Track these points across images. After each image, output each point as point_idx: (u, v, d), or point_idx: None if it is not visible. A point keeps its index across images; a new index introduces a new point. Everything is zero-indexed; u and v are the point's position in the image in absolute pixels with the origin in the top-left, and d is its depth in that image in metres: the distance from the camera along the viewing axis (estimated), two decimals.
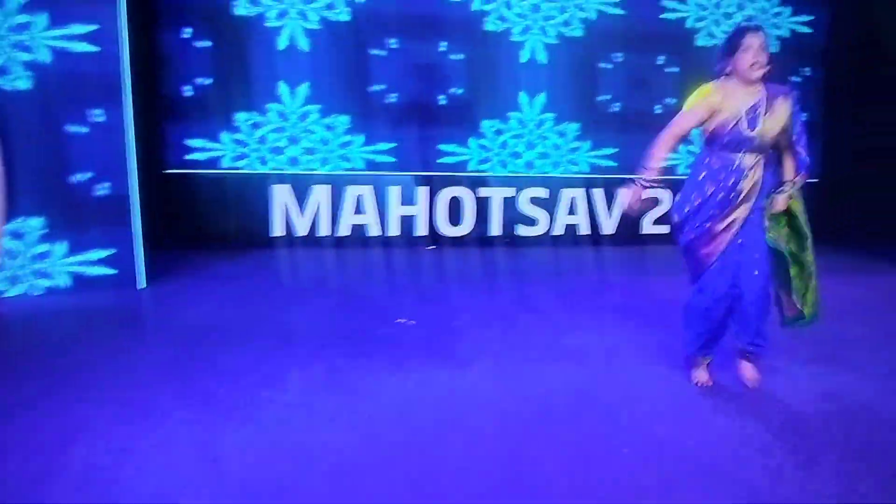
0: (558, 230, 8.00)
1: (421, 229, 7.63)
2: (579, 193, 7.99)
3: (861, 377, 4.19)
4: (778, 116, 3.61)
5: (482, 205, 7.75)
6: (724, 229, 3.69)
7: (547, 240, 7.97)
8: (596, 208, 8.06)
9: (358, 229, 7.48)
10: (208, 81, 7.00)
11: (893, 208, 8.13)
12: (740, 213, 3.67)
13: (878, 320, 5.43)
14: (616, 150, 7.95)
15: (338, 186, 7.38)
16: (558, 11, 7.58)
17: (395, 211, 7.54)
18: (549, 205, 7.92)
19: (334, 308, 5.36)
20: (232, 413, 3.48)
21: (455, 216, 7.70)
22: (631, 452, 3.19)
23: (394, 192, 7.50)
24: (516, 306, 5.57)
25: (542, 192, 7.89)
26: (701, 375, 3.98)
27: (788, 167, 3.72)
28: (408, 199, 7.55)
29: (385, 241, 7.53)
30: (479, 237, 7.78)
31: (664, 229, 8.09)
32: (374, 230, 7.51)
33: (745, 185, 3.64)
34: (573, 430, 3.40)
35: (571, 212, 8.01)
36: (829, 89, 8.48)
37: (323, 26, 7.09)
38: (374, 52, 7.25)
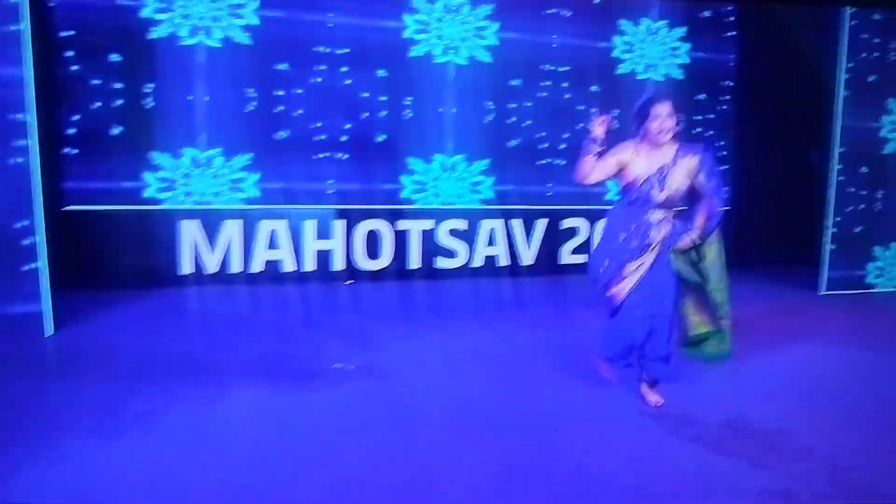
0: (478, 262, 8.05)
1: (338, 264, 7.53)
2: (498, 225, 8.08)
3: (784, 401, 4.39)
4: (684, 174, 4.02)
5: (400, 238, 7.72)
6: (634, 271, 4.12)
7: (466, 272, 8.00)
8: (515, 239, 8.15)
9: (272, 265, 7.32)
10: (111, 112, 6.79)
11: (796, 233, 8.60)
12: (648, 258, 4.11)
13: (792, 341, 5.70)
14: (518, 183, 8.19)
15: (250, 221, 7.22)
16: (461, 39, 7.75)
17: (311, 245, 7.42)
18: (468, 236, 7.97)
19: (253, 347, 5.26)
20: (168, 465, 3.39)
21: (373, 249, 7.64)
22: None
23: (309, 227, 7.39)
24: (441, 338, 5.62)
25: (461, 224, 7.93)
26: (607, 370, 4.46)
27: (699, 215, 4.08)
28: (324, 233, 7.45)
29: (300, 277, 7.39)
30: (398, 270, 7.73)
31: (582, 258, 8.29)
32: (288, 266, 7.37)
33: (655, 237, 4.09)
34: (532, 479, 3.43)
35: (491, 243, 8.08)
36: (737, 119, 8.86)
37: (229, 49, 6.99)
38: (288, 76, 7.21)
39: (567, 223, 8.34)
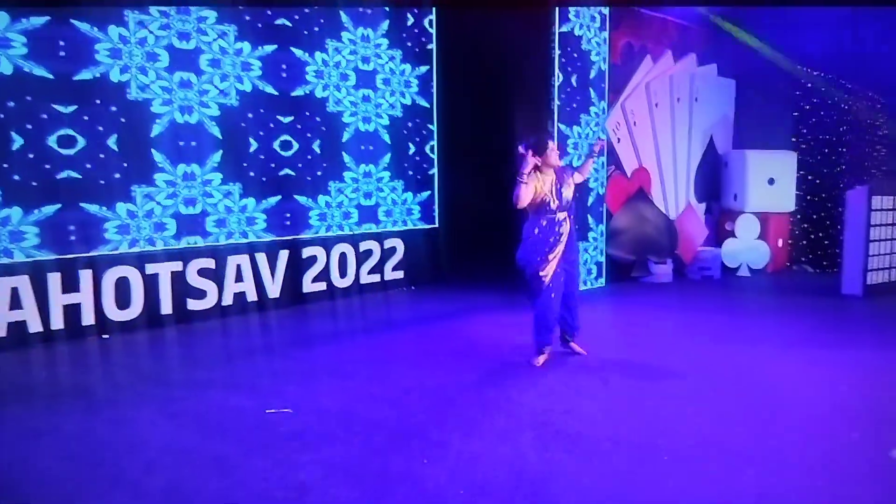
0: (227, 300, 8.62)
1: (88, 317, 7.62)
2: (244, 260, 8.72)
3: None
4: (571, 187, 6.61)
5: (151, 283, 8.01)
6: (553, 258, 6.50)
7: (217, 311, 8.52)
8: (261, 273, 8.86)
9: (16, 327, 7.21)
10: None
11: (497, 250, 10.46)
12: (560, 248, 6.53)
13: None
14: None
15: None
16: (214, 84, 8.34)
17: (58, 300, 7.43)
18: (217, 275, 8.50)
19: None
20: None
21: (123, 298, 7.84)
22: None
23: (54, 280, 7.39)
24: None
25: (209, 263, 8.44)
26: (542, 359, 6.61)
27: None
28: (71, 286, 7.50)
29: (48, 337, 7.36)
30: (150, 318, 8.01)
31: (322, 286, 9.31)
32: (34, 326, 7.30)
33: (564, 231, 6.55)
34: None
35: (239, 279, 8.70)
36: (444, 146, 10.51)
37: None
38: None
39: (307, 252, 9.26)
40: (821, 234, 12.03)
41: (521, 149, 6.26)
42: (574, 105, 9.83)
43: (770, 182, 11.61)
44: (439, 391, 5.90)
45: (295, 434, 4.94)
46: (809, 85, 12.39)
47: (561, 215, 6.49)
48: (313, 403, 5.56)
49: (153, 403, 5.63)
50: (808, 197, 12.22)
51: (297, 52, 9.05)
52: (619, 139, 10.77)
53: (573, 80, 9.81)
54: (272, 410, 5.43)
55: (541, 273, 6.43)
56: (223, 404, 5.59)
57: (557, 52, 9.59)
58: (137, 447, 4.77)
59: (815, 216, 12.23)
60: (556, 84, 9.60)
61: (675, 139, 11.51)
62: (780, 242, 11.87)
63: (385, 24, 9.91)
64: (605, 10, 10.22)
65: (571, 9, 9.72)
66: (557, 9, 9.55)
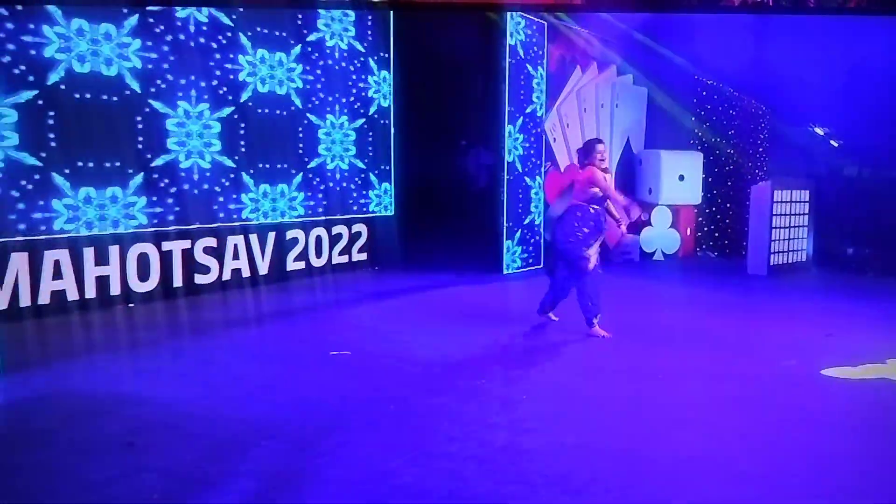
0: (226, 275, 9.76)
1: (115, 288, 8.64)
2: (240, 240, 9.88)
3: None
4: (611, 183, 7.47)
5: (166, 258, 9.08)
6: (597, 244, 7.65)
7: (218, 285, 9.65)
8: (254, 252, 10.04)
9: (58, 295, 8.17)
10: None
11: (445, 234, 11.95)
12: (602, 236, 7.79)
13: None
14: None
15: (37, 251, 7.98)
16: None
17: (91, 272, 8.42)
18: (218, 253, 9.64)
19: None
20: None
21: (143, 272, 8.88)
22: None
23: (89, 254, 8.38)
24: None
25: (212, 242, 9.56)
26: (600, 331, 7.60)
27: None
28: (102, 259, 8.50)
29: (83, 305, 8.34)
30: (165, 289, 9.08)
31: (301, 265, 10.57)
32: (72, 294, 8.28)
33: (604, 222, 7.64)
34: None
35: (235, 257, 9.86)
36: (397, 138, 11.93)
37: None
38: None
39: (290, 234, 10.50)
40: (720, 225, 14.20)
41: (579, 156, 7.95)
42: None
43: (680, 178, 13.60)
44: (457, 339, 7.36)
45: (356, 371, 6.30)
46: (704, 93, 14.51)
47: (601, 209, 7.59)
48: (359, 350, 6.90)
49: (222, 349, 6.89)
50: (703, 192, 14.31)
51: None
52: (554, 139, 12.44)
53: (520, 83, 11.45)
54: (335, 353, 6.76)
55: (587, 254, 7.47)
56: (287, 350, 6.89)
57: (508, 59, 11.17)
58: (242, 378, 6.07)
59: (708, 209, 14.36)
60: (507, 88, 11.20)
61: None
62: (689, 231, 13.90)
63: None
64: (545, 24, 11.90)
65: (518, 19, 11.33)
66: (510, 17, 11.13)
